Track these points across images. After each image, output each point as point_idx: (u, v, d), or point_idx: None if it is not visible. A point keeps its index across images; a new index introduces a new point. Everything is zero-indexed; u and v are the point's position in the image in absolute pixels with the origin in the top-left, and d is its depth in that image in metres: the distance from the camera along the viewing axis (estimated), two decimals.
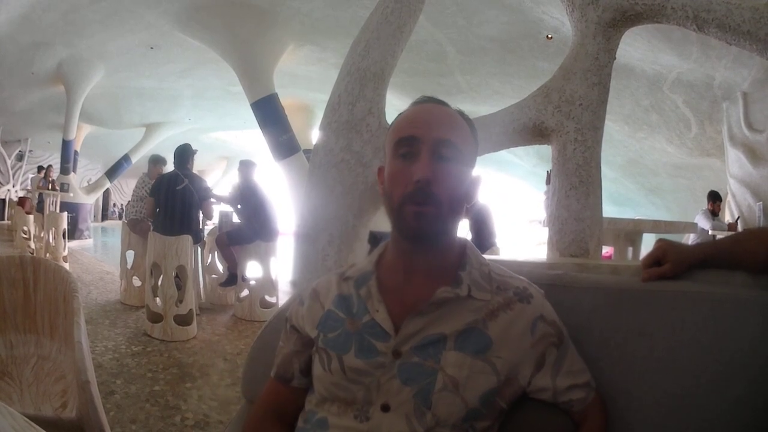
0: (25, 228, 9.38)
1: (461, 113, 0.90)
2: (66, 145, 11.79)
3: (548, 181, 4.30)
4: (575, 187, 1.97)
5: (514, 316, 0.85)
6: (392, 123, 0.91)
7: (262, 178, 5.45)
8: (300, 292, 0.99)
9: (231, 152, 19.15)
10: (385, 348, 0.82)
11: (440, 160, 0.82)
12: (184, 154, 4.94)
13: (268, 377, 0.98)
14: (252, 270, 5.11)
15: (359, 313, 0.87)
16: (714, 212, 6.69)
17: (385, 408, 0.80)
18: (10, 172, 17.37)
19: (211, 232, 5.86)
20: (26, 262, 1.83)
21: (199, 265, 5.28)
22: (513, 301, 0.86)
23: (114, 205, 23.58)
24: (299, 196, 4.49)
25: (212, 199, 5.20)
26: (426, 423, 0.78)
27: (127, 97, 12.06)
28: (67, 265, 6.66)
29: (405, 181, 0.82)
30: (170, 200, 4.73)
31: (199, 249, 5.14)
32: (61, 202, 11.27)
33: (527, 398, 0.87)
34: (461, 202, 0.86)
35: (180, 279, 4.33)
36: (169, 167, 5.28)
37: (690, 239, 6.32)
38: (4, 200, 16.77)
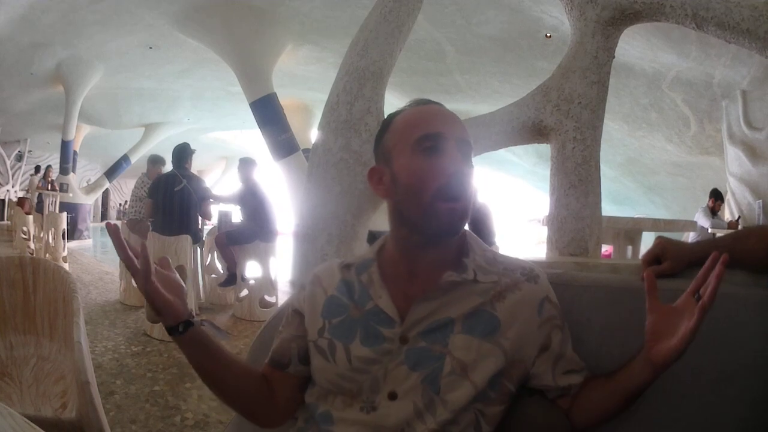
0: (25, 228, 9.36)
1: None
2: (65, 146, 11.78)
3: None
4: (574, 185, 1.97)
5: (522, 295, 0.85)
6: (394, 122, 0.89)
7: (262, 178, 5.43)
8: (302, 281, 0.99)
9: (230, 152, 19.14)
10: (392, 334, 0.83)
11: (464, 158, 0.83)
12: (183, 154, 4.92)
13: None
14: (251, 270, 5.10)
15: (362, 299, 0.87)
16: (714, 210, 6.70)
17: (393, 396, 0.80)
18: (10, 173, 17.37)
19: (211, 232, 5.85)
20: (26, 262, 1.83)
21: (199, 265, 5.28)
22: (521, 282, 0.87)
23: (121, 204, 23.36)
24: (298, 195, 4.50)
25: (211, 200, 5.19)
26: (434, 408, 0.78)
27: (127, 97, 12.05)
28: (66, 266, 6.66)
29: (434, 175, 0.81)
30: (168, 201, 4.72)
31: (198, 249, 5.14)
32: (61, 203, 11.26)
33: (522, 395, 0.87)
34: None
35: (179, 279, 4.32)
36: (169, 167, 5.27)
37: (690, 237, 6.33)
38: (3, 200, 16.77)
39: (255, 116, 8.00)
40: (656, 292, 0.78)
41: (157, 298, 0.82)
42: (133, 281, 5.03)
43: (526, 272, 0.88)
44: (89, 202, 13.57)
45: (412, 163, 0.83)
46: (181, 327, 0.84)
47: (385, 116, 0.94)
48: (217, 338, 0.91)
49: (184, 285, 0.88)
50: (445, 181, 0.80)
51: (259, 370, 0.95)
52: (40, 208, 11.48)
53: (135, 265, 0.81)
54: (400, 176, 0.84)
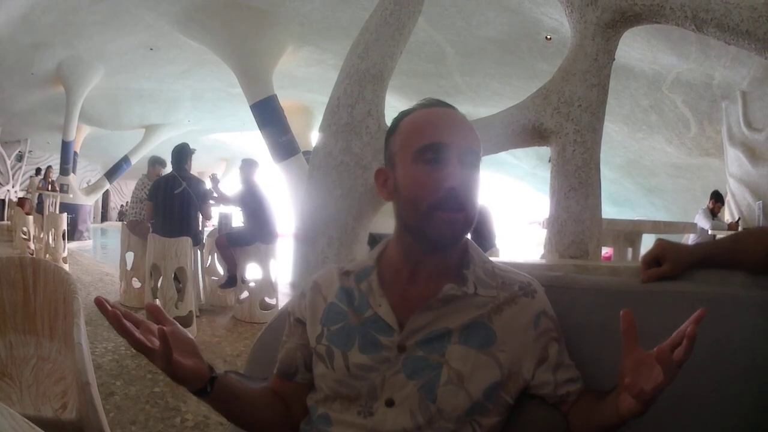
0: (25, 229, 9.36)
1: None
2: (65, 146, 11.78)
3: None
4: (574, 188, 1.97)
5: (518, 310, 0.86)
6: (401, 125, 0.88)
7: (263, 179, 5.44)
8: (302, 286, 0.99)
9: (230, 154, 19.14)
10: (390, 342, 0.83)
11: (467, 168, 0.82)
12: (182, 154, 4.93)
13: (269, 379, 0.97)
14: (252, 272, 5.10)
15: (361, 307, 0.87)
16: (714, 212, 6.70)
17: (390, 403, 0.81)
18: (10, 173, 17.36)
19: (211, 233, 5.85)
20: (26, 263, 1.83)
21: (199, 266, 5.28)
22: (518, 296, 0.87)
23: (122, 206, 23.12)
24: (299, 198, 4.50)
25: (211, 201, 5.20)
26: (430, 417, 0.79)
27: (127, 98, 12.05)
28: (66, 267, 6.65)
29: (434, 187, 0.80)
30: (168, 203, 4.72)
31: (199, 251, 5.14)
32: (61, 203, 11.26)
33: (523, 399, 0.87)
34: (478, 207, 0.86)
35: (179, 281, 4.32)
36: (169, 168, 5.28)
37: (690, 239, 6.33)
38: (3, 201, 16.76)
39: (255, 118, 8.00)
40: (634, 332, 0.71)
41: (180, 371, 0.76)
42: (133, 282, 5.03)
43: (524, 286, 0.89)
44: (89, 203, 13.58)
45: (413, 174, 0.82)
46: (208, 387, 0.80)
47: (386, 119, 0.94)
48: (240, 381, 0.88)
49: (191, 336, 0.82)
50: (444, 194, 0.79)
51: (270, 387, 0.95)
52: (40, 208, 11.48)
53: (148, 347, 0.72)
54: (401, 184, 0.84)
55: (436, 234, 0.81)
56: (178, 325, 0.82)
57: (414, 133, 0.84)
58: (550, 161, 2.19)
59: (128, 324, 0.73)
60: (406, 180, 0.83)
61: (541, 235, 4.63)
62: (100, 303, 0.72)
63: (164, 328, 0.74)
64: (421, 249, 0.85)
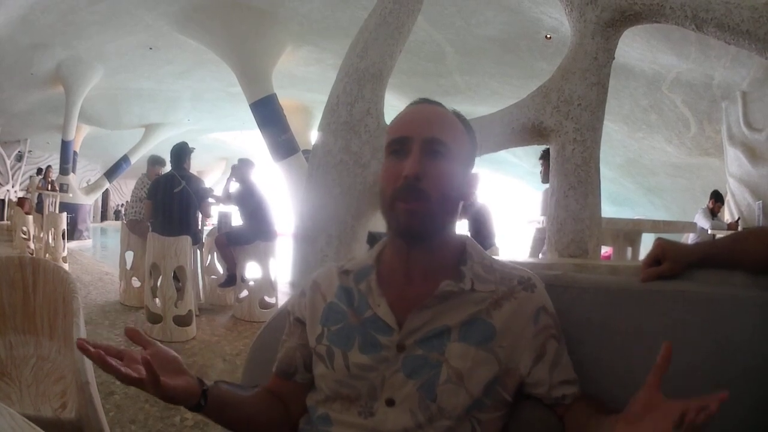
0: (25, 228, 9.37)
1: (456, 113, 0.91)
2: (65, 146, 11.77)
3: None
4: (574, 187, 1.97)
5: (517, 304, 0.85)
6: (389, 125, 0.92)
7: (259, 179, 5.44)
8: (302, 285, 0.99)
9: (230, 153, 19.11)
10: (389, 342, 0.83)
11: (431, 157, 0.83)
12: (181, 153, 4.93)
13: (268, 378, 0.97)
14: (251, 271, 5.10)
15: (360, 307, 0.87)
16: (714, 212, 6.70)
17: (390, 403, 0.81)
18: (10, 173, 17.36)
19: (210, 232, 5.86)
20: (26, 262, 1.83)
21: (198, 265, 5.28)
22: (517, 290, 0.87)
23: (121, 206, 23.12)
24: (298, 196, 4.50)
25: (210, 200, 5.20)
26: (430, 415, 0.79)
27: (126, 98, 12.05)
28: (66, 266, 6.65)
29: (395, 178, 0.82)
30: (168, 202, 4.73)
31: (198, 250, 5.14)
32: (61, 203, 11.26)
33: (520, 400, 0.87)
34: (454, 199, 0.86)
35: (179, 280, 4.32)
36: (168, 167, 5.28)
37: (689, 238, 6.33)
38: (3, 200, 16.76)
39: (255, 117, 8.00)
40: (665, 369, 0.67)
41: (171, 393, 0.75)
42: (133, 281, 5.01)
43: (523, 281, 0.88)
44: (89, 202, 13.56)
45: (383, 167, 0.87)
46: (202, 401, 0.80)
47: (385, 117, 0.96)
48: (233, 390, 0.88)
49: (175, 354, 0.81)
50: (401, 182, 0.81)
51: (266, 389, 0.95)
52: (40, 208, 11.48)
53: (136, 378, 0.72)
54: (379, 177, 0.88)
55: (400, 225, 0.83)
56: (160, 345, 0.80)
57: (388, 130, 0.89)
58: (540, 159, 2.17)
59: (112, 361, 0.71)
60: (380, 173, 0.87)
61: (534, 234, 4.64)
62: (81, 346, 0.70)
63: (147, 355, 0.73)
64: (402, 243, 0.86)
